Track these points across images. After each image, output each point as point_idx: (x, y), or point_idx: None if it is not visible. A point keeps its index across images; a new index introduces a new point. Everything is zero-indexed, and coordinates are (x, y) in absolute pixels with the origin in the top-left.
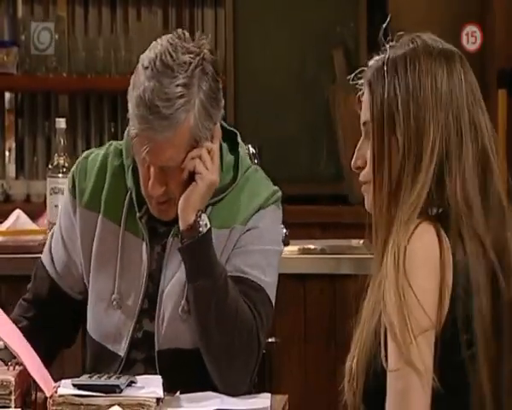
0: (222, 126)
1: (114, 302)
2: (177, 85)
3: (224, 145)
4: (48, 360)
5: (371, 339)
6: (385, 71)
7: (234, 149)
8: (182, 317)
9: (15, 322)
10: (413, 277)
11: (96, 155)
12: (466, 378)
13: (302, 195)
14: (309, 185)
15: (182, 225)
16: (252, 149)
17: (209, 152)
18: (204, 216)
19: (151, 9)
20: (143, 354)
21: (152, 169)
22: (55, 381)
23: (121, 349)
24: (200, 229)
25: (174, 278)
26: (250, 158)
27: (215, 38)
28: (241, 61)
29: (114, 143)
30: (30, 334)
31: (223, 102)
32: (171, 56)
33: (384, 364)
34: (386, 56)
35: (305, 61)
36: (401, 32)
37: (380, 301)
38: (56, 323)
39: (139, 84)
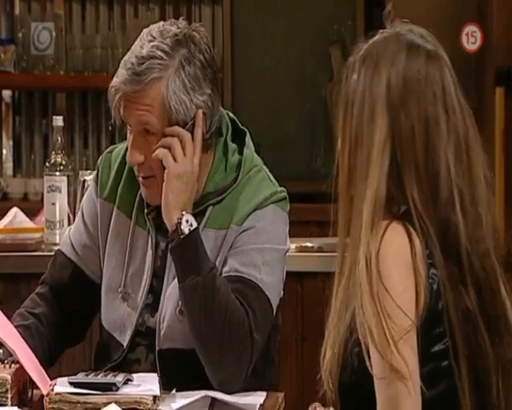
0: (233, 124)
1: (121, 295)
2: (154, 47)
3: (233, 146)
4: (54, 356)
5: (346, 337)
6: (360, 55)
7: (242, 148)
8: (178, 318)
9: (23, 316)
10: (388, 280)
11: (119, 149)
12: (441, 370)
13: (300, 193)
14: (306, 183)
15: (168, 228)
16: None
17: (181, 141)
18: (188, 216)
19: (148, 7)
20: (146, 342)
21: (131, 137)
22: (52, 379)
23: (125, 340)
24: (183, 230)
25: (175, 279)
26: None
27: (212, 36)
28: (239, 59)
29: None
30: (39, 329)
31: (209, 94)
32: (159, 28)
33: (369, 369)
34: (371, 41)
35: (302, 58)
36: (406, 20)
37: (350, 297)
38: (74, 311)
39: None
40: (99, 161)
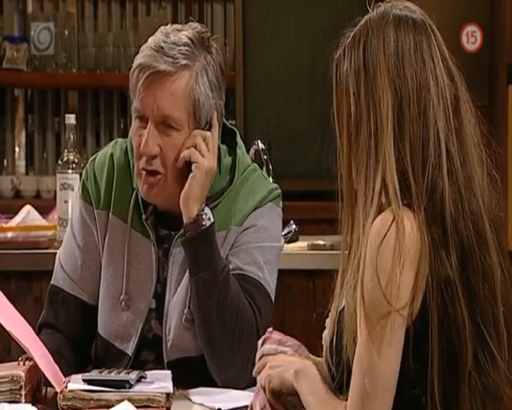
0: (222, 124)
1: (123, 303)
2: (184, 36)
3: (223, 147)
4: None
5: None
6: (347, 43)
7: (233, 149)
8: (185, 326)
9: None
10: (380, 268)
11: (102, 155)
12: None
13: (312, 191)
14: (318, 181)
15: (185, 219)
16: (261, 145)
17: (204, 140)
18: (207, 210)
19: (160, 5)
20: (154, 355)
21: (148, 126)
22: (65, 376)
23: (129, 348)
24: (204, 222)
25: (178, 289)
26: (261, 154)
27: (224, 34)
28: (251, 57)
29: (120, 140)
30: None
31: (224, 101)
32: (181, 24)
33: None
34: (354, 28)
35: (314, 56)
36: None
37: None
38: (83, 343)
39: (149, 41)
40: (83, 175)
